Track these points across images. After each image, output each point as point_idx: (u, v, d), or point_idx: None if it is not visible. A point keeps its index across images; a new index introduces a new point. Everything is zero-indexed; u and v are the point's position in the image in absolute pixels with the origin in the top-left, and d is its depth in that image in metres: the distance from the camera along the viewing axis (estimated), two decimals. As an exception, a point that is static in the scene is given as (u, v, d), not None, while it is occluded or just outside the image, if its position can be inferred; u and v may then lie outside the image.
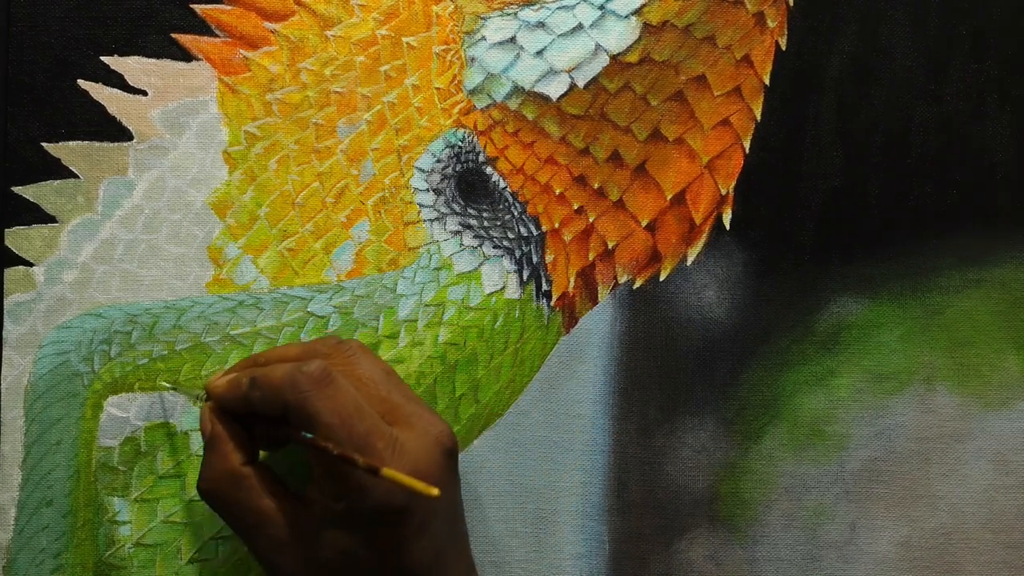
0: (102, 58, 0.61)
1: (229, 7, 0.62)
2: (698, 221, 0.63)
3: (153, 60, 0.61)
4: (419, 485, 0.48)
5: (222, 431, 0.54)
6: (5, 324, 0.61)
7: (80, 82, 0.61)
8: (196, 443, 0.61)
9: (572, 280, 0.63)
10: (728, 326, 0.64)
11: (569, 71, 0.62)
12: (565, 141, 0.63)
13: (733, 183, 0.63)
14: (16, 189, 0.61)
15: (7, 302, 0.61)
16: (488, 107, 0.62)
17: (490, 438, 0.63)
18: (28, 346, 0.61)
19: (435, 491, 0.48)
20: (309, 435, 0.51)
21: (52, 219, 0.61)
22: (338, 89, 0.62)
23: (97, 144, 0.61)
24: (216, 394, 0.55)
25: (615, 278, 0.63)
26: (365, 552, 0.51)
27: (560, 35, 0.62)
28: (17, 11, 0.61)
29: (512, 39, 0.62)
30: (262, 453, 0.56)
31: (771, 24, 0.63)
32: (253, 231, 0.62)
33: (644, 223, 0.63)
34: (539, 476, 0.63)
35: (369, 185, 0.62)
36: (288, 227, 0.62)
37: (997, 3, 0.65)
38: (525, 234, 0.63)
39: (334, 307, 0.62)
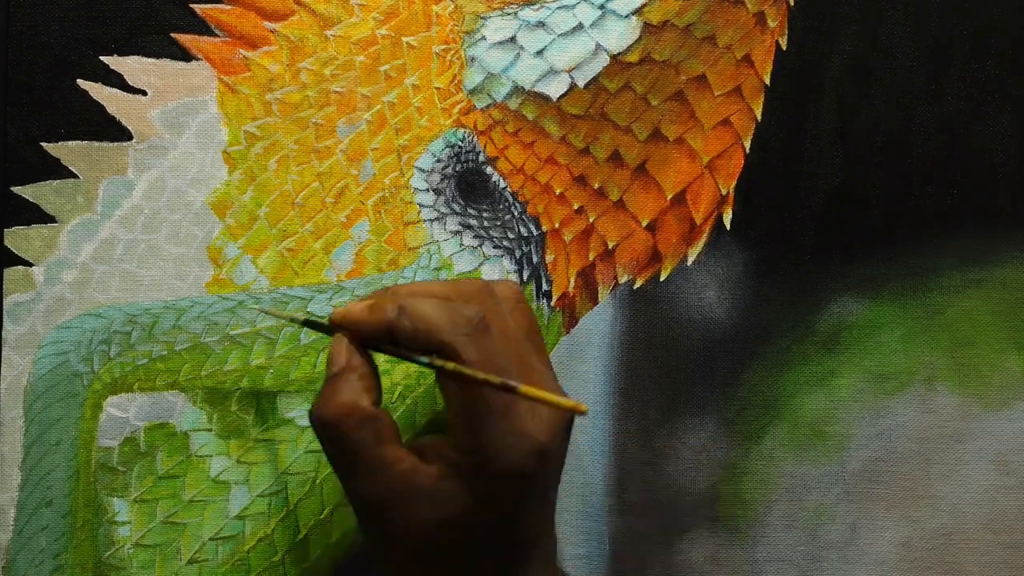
0: (102, 58, 0.61)
1: (229, 7, 0.62)
2: (698, 221, 0.63)
3: (153, 60, 0.61)
4: (569, 403, 0.47)
5: (360, 363, 0.51)
6: (5, 324, 0.61)
7: (80, 82, 0.61)
8: (196, 443, 0.61)
9: (572, 280, 0.63)
10: (728, 326, 0.64)
11: (569, 71, 0.62)
12: (565, 141, 0.63)
13: (733, 183, 0.63)
14: (16, 189, 0.61)
15: (7, 302, 0.61)
16: (488, 107, 0.62)
17: (490, 438, 0.62)
18: (28, 346, 0.61)
19: (584, 407, 0.46)
20: (459, 366, 0.48)
21: (52, 219, 0.61)
22: (338, 89, 0.62)
23: (97, 144, 0.61)
24: (355, 318, 0.51)
25: (615, 278, 0.63)
26: (484, 512, 0.49)
27: (560, 35, 0.62)
28: (17, 11, 0.61)
29: (512, 39, 0.62)
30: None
31: (771, 24, 0.63)
32: (253, 231, 0.62)
33: (644, 223, 0.63)
34: (539, 476, 0.63)
35: (369, 185, 0.62)
36: (288, 227, 0.62)
37: (997, 3, 0.65)
38: (525, 234, 0.63)
39: (334, 307, 0.62)
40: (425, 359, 0.49)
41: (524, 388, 0.47)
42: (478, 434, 0.49)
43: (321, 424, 0.50)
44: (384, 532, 0.50)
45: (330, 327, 0.52)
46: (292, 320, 0.55)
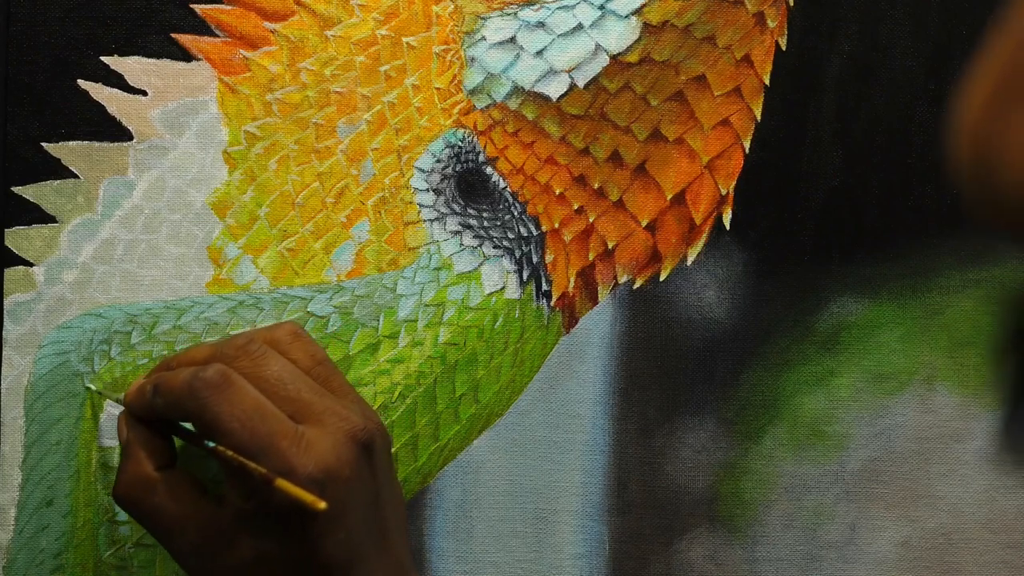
0: (102, 58, 0.61)
1: (229, 7, 0.62)
2: (698, 221, 0.63)
3: (153, 60, 0.61)
4: (308, 498, 0.48)
5: (135, 437, 0.54)
6: (5, 324, 0.61)
7: (80, 82, 0.61)
8: (196, 443, 0.61)
9: (572, 280, 0.63)
10: (728, 326, 0.64)
11: (569, 71, 0.62)
12: (565, 141, 0.63)
13: (733, 183, 0.63)
14: (16, 189, 0.61)
15: (7, 302, 0.61)
16: (488, 107, 0.62)
17: (490, 438, 0.62)
18: (28, 346, 0.61)
19: (322, 505, 0.48)
20: (210, 443, 0.51)
21: (52, 219, 0.61)
22: (338, 89, 0.62)
23: (97, 144, 0.61)
24: (125, 402, 0.55)
25: (615, 278, 0.63)
26: (278, 551, 0.50)
27: (560, 35, 0.62)
28: (17, 11, 0.61)
29: (512, 39, 0.62)
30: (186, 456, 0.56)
31: (771, 24, 0.63)
32: (253, 231, 0.62)
33: (644, 223, 0.63)
34: (539, 476, 0.63)
35: (369, 185, 0.62)
36: (288, 227, 0.62)
37: (997, 3, 0.65)
38: (525, 234, 0.63)
39: (334, 307, 0.62)
40: (209, 443, 0.51)
41: (279, 482, 0.48)
42: (245, 483, 0.50)
43: (118, 501, 0.54)
44: None
45: (119, 401, 0.57)
46: (115, 400, 0.58)
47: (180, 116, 0.61)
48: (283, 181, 0.62)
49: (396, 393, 0.62)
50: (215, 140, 0.62)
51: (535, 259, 0.63)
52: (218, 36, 0.61)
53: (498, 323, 0.62)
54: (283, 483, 0.49)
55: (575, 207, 0.63)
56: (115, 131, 0.61)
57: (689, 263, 0.63)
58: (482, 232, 0.63)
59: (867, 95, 0.64)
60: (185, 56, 0.61)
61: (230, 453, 0.50)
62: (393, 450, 0.61)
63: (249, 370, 0.52)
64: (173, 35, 0.61)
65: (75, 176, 0.61)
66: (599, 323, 0.63)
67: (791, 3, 0.63)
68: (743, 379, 0.63)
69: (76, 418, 0.60)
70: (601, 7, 0.62)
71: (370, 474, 0.52)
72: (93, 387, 0.60)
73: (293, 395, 0.52)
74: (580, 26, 0.62)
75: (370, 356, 0.62)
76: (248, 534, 0.51)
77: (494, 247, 0.63)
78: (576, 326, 0.63)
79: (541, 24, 0.62)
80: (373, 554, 0.52)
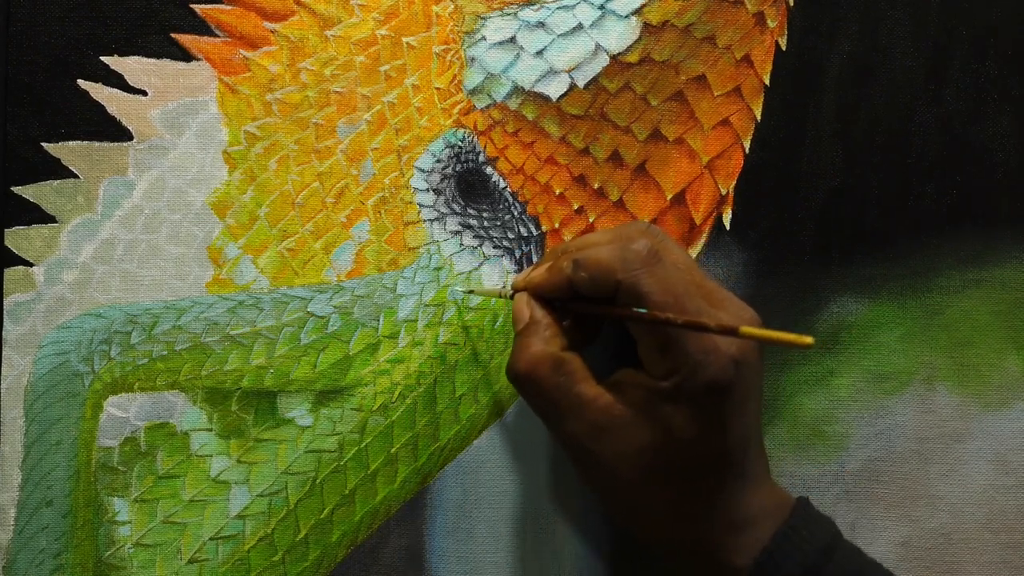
0: (102, 58, 0.61)
1: (229, 7, 0.62)
2: (698, 221, 0.63)
3: (153, 60, 0.61)
4: (791, 337, 0.47)
5: (543, 315, 0.54)
6: (5, 324, 0.61)
7: (80, 82, 0.61)
8: (196, 443, 0.61)
9: (572, 280, 0.63)
10: (728, 326, 0.63)
11: (569, 71, 0.62)
12: (565, 141, 0.63)
13: (733, 183, 0.63)
14: (16, 189, 0.61)
15: (7, 302, 0.61)
16: (488, 107, 0.62)
17: (490, 438, 0.62)
18: (28, 346, 0.61)
19: (809, 339, 0.47)
20: (643, 311, 0.51)
21: (52, 219, 0.61)
22: (338, 89, 0.62)
23: (97, 144, 0.61)
24: (536, 282, 0.55)
25: (615, 278, 0.63)
26: (687, 430, 0.51)
27: (560, 35, 0.62)
28: (17, 11, 0.61)
29: (512, 39, 0.62)
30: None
31: (771, 24, 0.63)
32: (253, 231, 0.62)
33: (644, 223, 0.63)
34: (539, 476, 0.63)
35: (369, 185, 0.62)
36: (288, 227, 0.62)
37: (997, 3, 0.65)
38: (525, 234, 0.63)
39: (334, 307, 0.62)
40: (643, 311, 0.51)
41: (745, 329, 0.49)
42: (672, 357, 0.51)
43: (517, 378, 0.54)
44: (595, 467, 0.53)
45: (512, 293, 0.56)
46: (499, 295, 0.59)
47: (180, 116, 0.61)
48: (283, 181, 0.62)
49: (396, 393, 0.62)
50: (215, 140, 0.62)
51: (535, 259, 0.63)
52: (218, 36, 0.62)
53: (498, 323, 0.62)
54: (748, 329, 0.48)
55: (575, 207, 0.63)
56: (115, 131, 0.61)
57: (689, 263, 0.63)
58: (482, 232, 0.63)
59: (867, 95, 0.64)
60: (185, 56, 0.61)
61: (672, 316, 0.50)
62: (393, 450, 0.62)
63: (662, 250, 0.53)
64: (173, 35, 0.61)
65: (75, 176, 0.61)
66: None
67: (791, 3, 0.63)
68: (743, 379, 0.63)
69: (76, 418, 0.60)
70: (601, 7, 0.62)
71: (761, 363, 0.53)
72: (462, 288, 0.61)
73: (699, 280, 0.53)
74: (580, 26, 0.62)
75: (370, 356, 0.62)
76: (658, 414, 0.51)
77: (494, 247, 0.63)
78: (576, 326, 0.63)
79: (541, 24, 0.62)
80: (757, 440, 0.54)
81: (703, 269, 0.57)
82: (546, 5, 0.62)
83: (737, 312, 0.53)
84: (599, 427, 0.52)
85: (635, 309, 0.51)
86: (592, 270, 0.52)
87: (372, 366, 0.62)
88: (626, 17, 0.62)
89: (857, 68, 0.64)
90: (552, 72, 0.62)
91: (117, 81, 0.61)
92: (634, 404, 0.52)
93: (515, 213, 0.63)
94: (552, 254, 0.57)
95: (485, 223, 0.63)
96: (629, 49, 0.63)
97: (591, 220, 0.63)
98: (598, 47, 0.62)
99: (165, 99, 0.61)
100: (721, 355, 0.51)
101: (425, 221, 0.62)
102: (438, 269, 0.62)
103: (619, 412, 0.52)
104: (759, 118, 0.63)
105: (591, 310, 0.54)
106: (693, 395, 0.51)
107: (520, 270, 0.63)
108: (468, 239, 0.63)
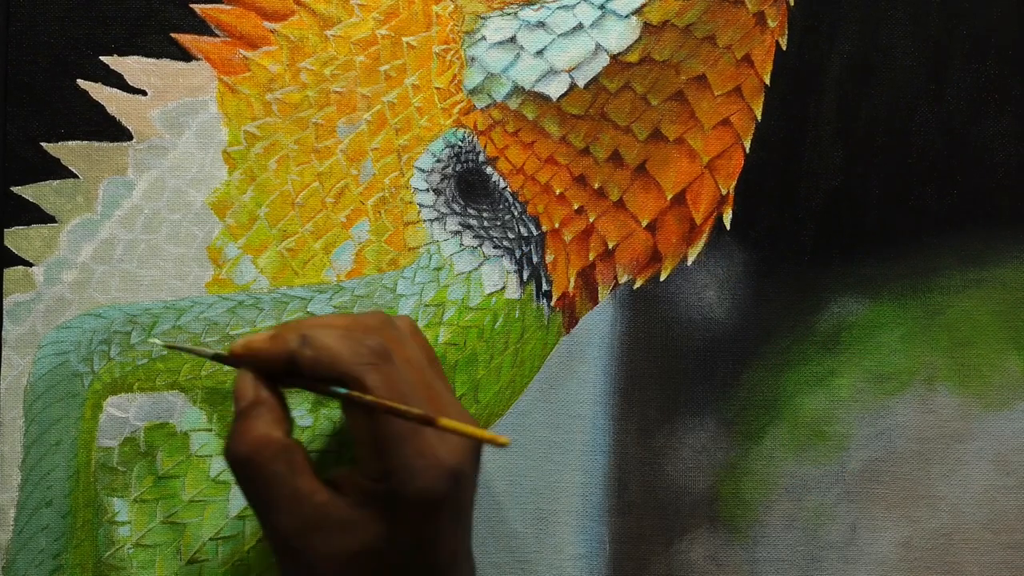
0: (102, 58, 0.61)
1: (229, 7, 0.62)
2: (698, 221, 0.63)
3: (153, 60, 0.61)
4: (488, 435, 0.47)
5: (268, 395, 0.51)
6: (5, 324, 0.61)
7: (80, 82, 0.61)
8: (196, 443, 0.61)
9: (572, 280, 0.63)
10: (728, 326, 0.64)
11: (569, 71, 0.62)
12: (565, 141, 0.63)
13: (733, 183, 0.63)
14: (16, 189, 0.61)
15: (7, 302, 0.61)
16: (488, 107, 0.62)
17: (490, 438, 0.62)
18: (28, 346, 0.61)
19: (505, 440, 0.47)
20: (367, 396, 0.49)
21: (52, 219, 0.61)
22: (338, 89, 0.62)
23: (97, 144, 0.61)
24: (255, 348, 0.52)
25: (615, 278, 0.63)
26: (398, 540, 0.49)
27: (560, 35, 0.62)
28: (17, 11, 0.61)
29: (512, 39, 0.62)
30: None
31: (771, 24, 0.63)
32: (253, 231, 0.62)
33: (644, 223, 0.63)
34: (539, 476, 0.63)
35: (369, 185, 0.62)
36: (288, 227, 0.62)
37: (997, 3, 0.65)
38: (525, 234, 0.63)
39: (334, 307, 0.62)
40: (343, 390, 0.50)
41: (442, 420, 0.48)
42: (387, 460, 0.49)
43: (237, 461, 0.50)
44: (302, 565, 0.50)
45: (235, 361, 0.52)
46: (199, 355, 0.55)
47: (180, 116, 0.61)
48: (283, 181, 0.62)
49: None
50: (215, 140, 0.62)
51: (535, 259, 0.63)
52: (218, 36, 0.61)
53: (498, 323, 0.62)
54: (446, 422, 0.47)
55: (575, 207, 0.63)
56: (115, 131, 0.61)
57: (689, 263, 0.63)
58: (482, 232, 0.63)
59: (867, 95, 0.64)
60: (185, 56, 0.61)
61: (392, 404, 0.48)
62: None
63: (393, 347, 0.51)
64: (173, 35, 0.61)
65: (75, 176, 0.61)
66: (599, 323, 0.63)
67: (791, 3, 0.63)
68: (743, 379, 0.63)
69: (76, 418, 0.60)
70: (601, 7, 0.62)
71: (477, 474, 0.52)
72: (160, 342, 0.58)
73: (428, 382, 0.52)
74: (580, 26, 0.62)
75: (370, 356, 0.61)
76: (369, 519, 0.49)
77: (494, 247, 0.63)
78: (576, 326, 0.63)
79: (541, 24, 0.62)
80: (467, 554, 0.52)
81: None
82: (546, 5, 0.62)
83: (457, 419, 0.50)
84: (312, 526, 0.49)
85: (354, 393, 0.49)
86: (318, 351, 0.50)
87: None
88: (626, 17, 0.62)
89: (857, 68, 0.64)
90: (552, 72, 0.62)
91: (117, 81, 0.61)
92: (348, 505, 0.49)
93: (515, 213, 0.63)
94: (280, 325, 0.54)
95: (485, 223, 0.63)
96: (629, 49, 0.63)
97: (591, 220, 0.63)
98: (598, 47, 0.62)
99: (165, 99, 0.61)
100: (439, 464, 0.49)
101: (425, 221, 0.62)
102: (438, 269, 0.62)
103: (334, 512, 0.49)
104: (759, 118, 0.63)
105: (308, 387, 0.51)
106: (405, 503, 0.49)
107: (520, 270, 0.63)
108: (468, 239, 0.62)
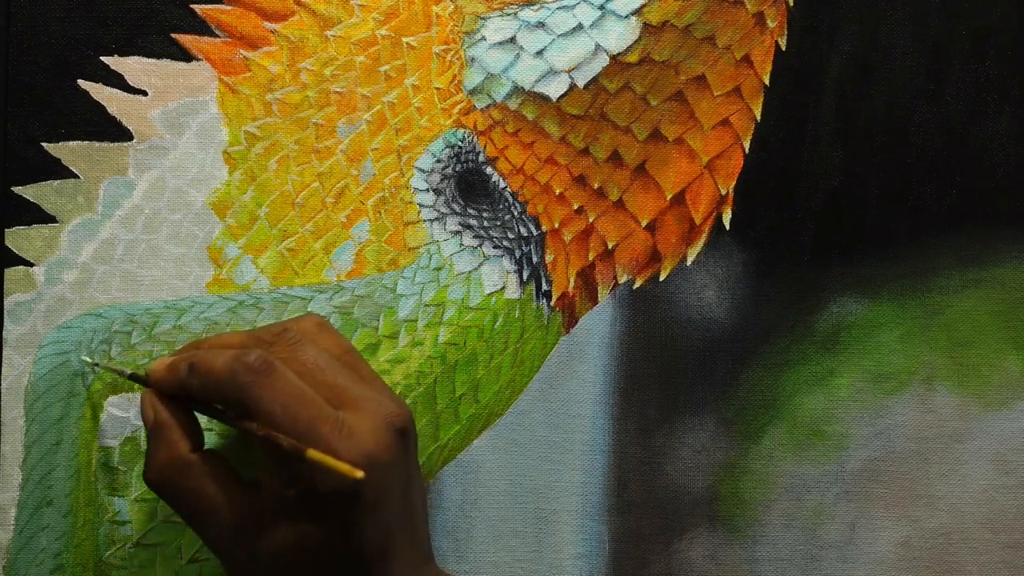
0: (102, 58, 0.61)
1: (229, 7, 0.62)
2: (698, 221, 0.63)
3: (153, 60, 0.61)
4: (344, 468, 0.48)
5: (167, 418, 0.52)
6: (5, 324, 0.61)
7: (80, 82, 0.61)
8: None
9: (572, 280, 0.63)
10: (728, 326, 0.64)
11: (569, 71, 0.62)
12: (565, 141, 0.63)
13: (733, 183, 0.63)
14: (16, 189, 0.61)
15: (7, 302, 0.61)
16: (488, 107, 0.62)
17: (490, 438, 0.63)
18: (28, 346, 0.61)
19: (359, 474, 0.48)
20: (248, 423, 0.50)
21: (52, 219, 0.61)
22: (338, 89, 0.62)
23: (97, 144, 0.61)
24: (155, 378, 0.53)
25: (615, 278, 0.63)
26: (317, 537, 0.50)
27: (560, 35, 0.62)
28: (17, 11, 0.61)
29: (512, 39, 0.62)
30: (216, 439, 0.56)
31: (771, 24, 0.63)
32: (253, 231, 0.62)
33: (644, 223, 0.63)
34: (539, 476, 0.63)
35: (369, 185, 0.62)
36: (288, 227, 0.62)
37: (997, 3, 0.65)
38: (525, 234, 0.63)
39: (334, 307, 0.62)
40: (229, 415, 0.51)
41: (310, 453, 0.48)
42: (288, 467, 0.50)
43: (151, 485, 0.53)
44: (238, 568, 0.52)
45: (145, 381, 0.54)
46: (120, 374, 0.56)
47: (180, 116, 0.61)
48: (283, 181, 0.62)
49: (396, 392, 0.62)
50: (215, 140, 0.62)
51: (535, 259, 0.63)
52: (218, 36, 0.62)
53: (498, 323, 0.62)
54: (315, 453, 0.48)
55: (575, 207, 0.63)
56: (115, 131, 0.61)
57: (689, 263, 0.63)
58: (482, 232, 0.63)
59: (867, 95, 0.64)
60: (185, 56, 0.61)
61: (263, 430, 0.49)
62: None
63: (286, 356, 0.52)
64: (173, 35, 0.61)
65: (75, 176, 0.61)
66: (599, 323, 0.63)
67: (791, 3, 0.63)
68: (743, 379, 0.63)
69: (76, 418, 0.60)
70: (601, 7, 0.62)
71: (404, 459, 0.52)
72: (89, 360, 0.59)
73: (330, 381, 0.52)
74: (580, 26, 0.62)
75: (370, 356, 0.62)
76: (287, 520, 0.50)
77: (494, 247, 0.63)
78: (576, 326, 0.63)
79: (541, 24, 0.62)
80: (405, 540, 0.52)
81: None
82: (546, 5, 0.62)
83: (373, 410, 0.51)
84: (231, 531, 0.51)
85: (240, 420, 0.51)
86: (204, 376, 0.51)
87: (372, 366, 0.62)
88: (626, 17, 0.62)
89: (857, 68, 0.64)
90: (552, 72, 0.62)
91: (117, 81, 0.61)
92: (267, 506, 0.50)
93: (515, 213, 0.63)
94: (187, 347, 0.55)
95: (485, 223, 0.63)
96: (629, 49, 0.63)
97: (591, 220, 0.63)
98: (598, 47, 0.62)
99: (165, 99, 0.61)
100: (344, 459, 0.49)
101: (425, 221, 0.62)
102: (438, 269, 0.62)
103: (251, 517, 0.51)
104: (759, 118, 0.63)
105: (207, 414, 0.53)
106: (315, 504, 0.49)
107: (520, 270, 0.63)
108: (468, 239, 0.63)
